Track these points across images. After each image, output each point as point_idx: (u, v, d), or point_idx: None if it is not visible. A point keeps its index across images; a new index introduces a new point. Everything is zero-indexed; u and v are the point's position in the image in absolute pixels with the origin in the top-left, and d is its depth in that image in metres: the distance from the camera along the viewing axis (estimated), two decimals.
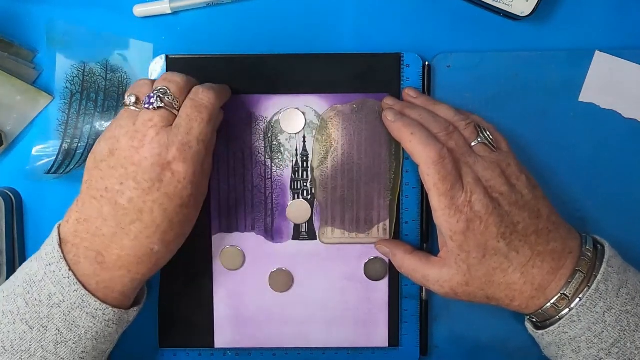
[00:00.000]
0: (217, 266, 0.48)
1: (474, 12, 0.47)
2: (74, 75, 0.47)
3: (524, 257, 0.41)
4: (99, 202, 0.40)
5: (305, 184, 0.48)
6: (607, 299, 0.40)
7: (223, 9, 0.48)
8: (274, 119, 0.47)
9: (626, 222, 0.48)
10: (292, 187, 0.48)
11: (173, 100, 0.40)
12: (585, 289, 0.40)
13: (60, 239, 0.40)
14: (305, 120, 0.47)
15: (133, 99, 0.40)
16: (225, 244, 0.48)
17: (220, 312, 0.48)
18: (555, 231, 0.42)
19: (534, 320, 0.43)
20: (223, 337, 0.49)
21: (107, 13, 0.48)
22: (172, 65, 0.47)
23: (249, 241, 0.48)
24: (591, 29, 0.47)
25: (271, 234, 0.48)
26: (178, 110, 0.40)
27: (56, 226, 0.41)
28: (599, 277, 0.40)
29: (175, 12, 0.47)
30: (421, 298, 0.48)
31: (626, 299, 0.40)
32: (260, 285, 0.48)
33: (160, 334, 0.49)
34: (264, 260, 0.48)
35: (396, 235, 0.48)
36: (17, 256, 0.48)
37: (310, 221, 0.48)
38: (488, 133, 0.44)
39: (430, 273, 0.43)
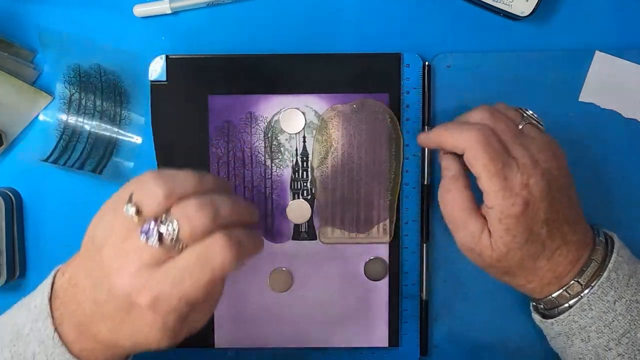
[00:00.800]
0: None
1: (474, 12, 0.47)
2: (72, 76, 0.47)
3: (555, 245, 0.40)
4: (85, 280, 0.35)
5: (305, 184, 0.48)
6: (617, 288, 0.39)
7: (223, 9, 0.48)
8: (274, 119, 0.47)
9: (626, 222, 0.48)
10: (292, 187, 0.48)
11: (177, 245, 0.33)
12: (598, 277, 0.39)
13: (52, 290, 0.36)
14: (305, 120, 0.47)
15: (133, 211, 0.33)
16: None
17: (220, 312, 0.48)
18: (580, 221, 0.41)
19: (541, 307, 0.43)
20: (223, 337, 0.49)
21: (107, 13, 0.48)
22: (172, 65, 0.47)
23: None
24: (591, 29, 0.47)
25: (271, 234, 0.48)
26: (179, 253, 0.33)
27: (53, 272, 0.38)
28: (610, 265, 0.40)
29: (175, 12, 0.47)
30: (421, 298, 0.48)
31: (636, 289, 0.39)
32: (260, 285, 0.48)
33: None
34: (264, 260, 0.48)
35: (396, 235, 0.48)
36: (17, 256, 0.48)
37: (310, 221, 0.48)
38: (532, 112, 0.42)
39: (471, 225, 0.40)
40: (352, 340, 0.49)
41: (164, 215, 0.33)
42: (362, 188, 0.48)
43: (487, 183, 0.38)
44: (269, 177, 0.48)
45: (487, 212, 0.39)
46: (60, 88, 0.47)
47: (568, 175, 0.41)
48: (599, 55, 0.47)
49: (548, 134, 0.42)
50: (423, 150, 0.47)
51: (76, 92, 0.48)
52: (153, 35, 0.48)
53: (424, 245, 0.48)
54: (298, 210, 0.48)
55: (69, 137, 0.48)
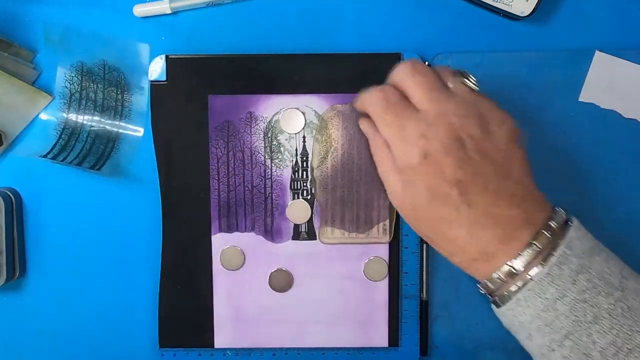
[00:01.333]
0: (217, 266, 0.48)
1: (474, 12, 0.47)
2: (73, 75, 0.47)
3: (474, 215, 0.36)
4: None
5: (305, 184, 0.48)
6: (560, 285, 0.35)
7: (223, 9, 0.48)
8: (274, 119, 0.47)
9: (626, 222, 0.48)
10: (292, 187, 0.48)
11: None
12: (537, 269, 0.35)
13: None
14: (305, 120, 0.47)
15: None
16: (225, 244, 0.48)
17: (220, 312, 0.48)
18: (520, 198, 0.37)
19: (482, 292, 0.39)
20: (223, 337, 0.49)
21: (107, 13, 0.48)
22: (172, 65, 0.47)
23: (249, 241, 0.48)
24: (591, 29, 0.47)
25: (271, 234, 0.48)
26: None
27: None
28: (554, 259, 0.35)
29: (175, 12, 0.47)
30: (421, 298, 0.48)
31: (585, 287, 0.35)
32: (260, 285, 0.48)
33: (160, 334, 0.48)
34: (264, 260, 0.48)
35: (396, 235, 0.48)
36: (17, 256, 0.48)
37: (310, 221, 0.48)
38: (472, 77, 0.39)
39: (389, 181, 0.38)
40: (352, 340, 0.49)
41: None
42: (362, 188, 0.48)
43: (386, 134, 0.37)
44: (269, 177, 0.48)
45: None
46: (60, 87, 0.47)
47: (509, 147, 0.37)
48: (599, 55, 0.47)
49: (491, 101, 0.39)
50: None
51: (77, 91, 0.48)
52: (153, 35, 0.48)
53: (424, 245, 0.48)
54: (298, 210, 0.48)
55: (68, 136, 0.48)
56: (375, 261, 0.48)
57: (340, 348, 0.49)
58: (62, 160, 0.46)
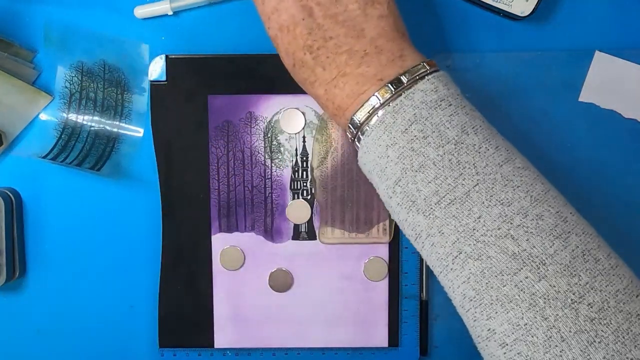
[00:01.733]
0: (217, 266, 0.48)
1: (474, 12, 0.47)
2: (73, 75, 0.48)
3: (329, 75, 0.38)
4: None
5: (305, 184, 0.48)
6: (391, 133, 0.36)
7: (223, 9, 0.48)
8: (274, 119, 0.47)
9: (626, 222, 0.48)
10: (292, 187, 0.48)
11: None
12: (374, 119, 0.37)
13: None
14: (305, 120, 0.47)
15: None
16: (225, 244, 0.48)
17: (220, 312, 0.48)
18: (373, 55, 0.37)
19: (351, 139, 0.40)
20: (223, 337, 0.49)
21: (107, 13, 0.48)
22: (172, 65, 0.47)
23: (249, 241, 0.48)
24: (591, 29, 0.47)
25: (271, 234, 0.48)
26: None
27: None
28: (389, 108, 0.36)
29: (175, 13, 0.47)
30: (421, 298, 0.48)
31: (415, 136, 0.35)
32: (260, 285, 0.48)
33: (160, 334, 0.48)
34: (264, 260, 0.48)
35: (396, 235, 0.48)
36: (17, 256, 0.48)
37: (310, 221, 0.48)
38: None
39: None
40: (352, 340, 0.49)
41: None
42: (362, 188, 0.48)
43: (258, 10, 0.40)
44: (269, 177, 0.48)
45: None
46: (60, 87, 0.47)
47: (361, 8, 0.38)
48: (599, 55, 0.47)
49: None
50: None
51: (77, 91, 0.48)
52: (153, 35, 0.48)
53: None
54: (298, 210, 0.48)
55: (68, 136, 0.48)
56: (375, 261, 0.48)
57: (340, 348, 0.49)
58: (62, 161, 0.46)
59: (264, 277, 0.48)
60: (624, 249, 0.48)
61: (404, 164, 0.36)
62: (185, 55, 0.47)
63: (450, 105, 0.37)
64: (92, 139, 0.48)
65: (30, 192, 0.49)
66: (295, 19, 0.38)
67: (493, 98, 0.47)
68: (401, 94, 0.36)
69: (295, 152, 0.48)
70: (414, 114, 0.36)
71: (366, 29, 0.38)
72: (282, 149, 0.48)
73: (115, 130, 0.48)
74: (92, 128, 0.48)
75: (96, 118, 0.48)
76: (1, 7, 0.47)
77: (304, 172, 0.48)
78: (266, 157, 0.48)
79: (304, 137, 0.47)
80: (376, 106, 0.37)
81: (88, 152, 0.48)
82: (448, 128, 0.36)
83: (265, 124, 0.47)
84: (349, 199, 0.48)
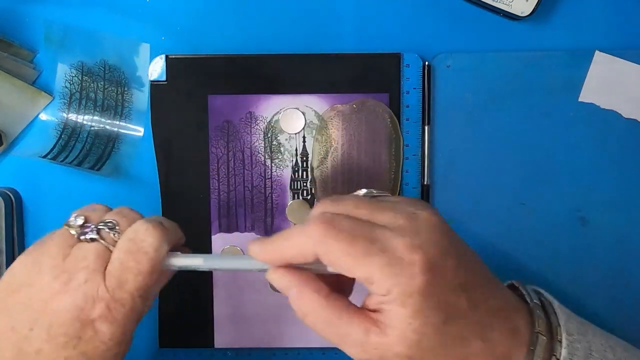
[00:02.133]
0: None
1: (474, 12, 0.47)
2: (73, 75, 0.48)
3: (480, 316, 0.30)
4: (1, 340, 0.32)
5: (305, 184, 0.48)
6: None
7: (223, 9, 0.48)
8: (274, 119, 0.47)
9: (626, 222, 0.48)
10: (292, 187, 0.48)
11: (116, 234, 0.34)
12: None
13: None
14: (305, 120, 0.47)
15: (80, 221, 0.34)
16: (225, 244, 0.48)
17: (220, 312, 0.48)
18: (493, 280, 0.32)
19: None
20: (223, 337, 0.49)
21: (107, 13, 0.48)
22: (172, 65, 0.47)
23: (249, 241, 0.48)
24: (591, 29, 0.47)
25: (271, 234, 0.48)
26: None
27: None
28: (564, 352, 0.31)
29: (175, 12, 0.47)
30: None
31: None
32: (260, 285, 0.48)
33: (160, 334, 0.48)
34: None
35: None
36: (17, 256, 0.48)
37: None
38: (375, 190, 0.34)
39: (352, 332, 0.30)
40: None
41: (102, 221, 0.34)
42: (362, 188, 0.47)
43: (362, 271, 0.29)
44: (269, 177, 0.48)
45: (380, 303, 0.30)
46: (60, 87, 0.48)
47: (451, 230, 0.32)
48: (599, 55, 0.47)
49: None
50: (423, 150, 0.47)
51: (77, 90, 0.48)
52: (153, 35, 0.48)
53: None
54: (298, 210, 0.48)
55: (68, 136, 0.48)
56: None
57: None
58: (62, 161, 0.46)
59: (264, 277, 0.48)
60: (624, 249, 0.48)
61: None
62: (185, 55, 0.47)
63: (588, 327, 0.33)
64: (92, 138, 0.48)
65: (30, 192, 0.49)
66: (443, 247, 0.29)
67: (493, 98, 0.47)
68: (552, 322, 0.32)
69: (295, 152, 0.48)
70: (583, 349, 0.31)
71: (474, 252, 0.32)
72: (282, 149, 0.48)
73: (115, 130, 0.48)
74: (92, 128, 0.48)
75: (96, 118, 0.48)
76: (1, 7, 0.47)
77: (304, 172, 0.48)
78: (266, 157, 0.48)
79: (304, 137, 0.47)
80: (544, 342, 0.31)
81: (88, 152, 0.48)
82: (605, 350, 0.32)
83: (265, 124, 0.47)
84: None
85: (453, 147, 0.48)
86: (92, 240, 0.33)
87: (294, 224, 0.48)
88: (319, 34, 0.48)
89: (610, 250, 0.47)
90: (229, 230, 0.48)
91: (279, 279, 0.32)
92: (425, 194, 0.48)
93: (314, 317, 0.31)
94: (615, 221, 0.48)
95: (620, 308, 0.46)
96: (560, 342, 0.31)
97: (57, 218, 0.48)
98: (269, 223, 0.48)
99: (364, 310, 0.30)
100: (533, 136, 0.47)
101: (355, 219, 0.30)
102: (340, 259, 0.29)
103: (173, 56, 0.47)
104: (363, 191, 0.34)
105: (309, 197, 0.48)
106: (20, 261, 0.34)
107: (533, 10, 0.45)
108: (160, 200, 0.48)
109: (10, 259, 0.47)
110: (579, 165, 0.47)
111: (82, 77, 0.48)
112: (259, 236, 0.48)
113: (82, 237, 0.33)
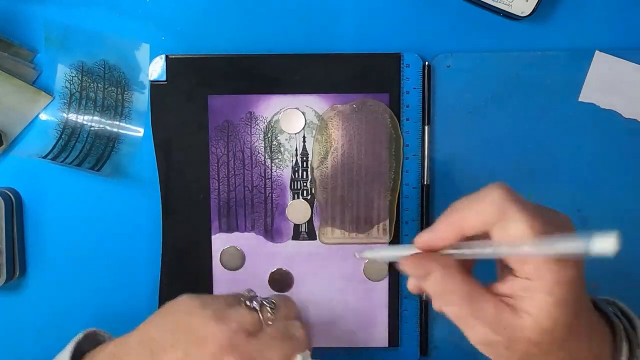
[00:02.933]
0: (217, 266, 0.48)
1: (474, 12, 0.47)
2: (73, 75, 0.47)
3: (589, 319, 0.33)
4: (141, 346, 0.37)
5: (305, 184, 0.48)
6: None
7: (223, 9, 0.48)
8: (274, 119, 0.47)
9: (626, 222, 0.48)
10: (292, 187, 0.48)
11: (273, 314, 0.39)
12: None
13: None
14: (305, 120, 0.47)
15: (252, 294, 0.40)
16: (225, 244, 0.48)
17: None
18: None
19: None
20: None
21: (107, 13, 0.48)
22: (172, 65, 0.47)
23: (249, 241, 0.48)
24: (591, 29, 0.47)
25: (271, 234, 0.48)
26: (267, 325, 0.38)
27: (74, 342, 0.39)
28: None
29: (175, 12, 0.47)
30: (421, 298, 0.48)
31: None
32: (260, 285, 0.48)
33: None
34: (264, 260, 0.48)
35: (396, 235, 0.48)
36: (17, 256, 0.48)
37: (310, 221, 0.48)
38: None
39: (486, 308, 0.31)
40: (352, 340, 0.49)
41: (266, 298, 0.40)
42: (362, 188, 0.48)
43: (534, 248, 0.30)
44: (269, 177, 0.48)
45: (518, 292, 0.31)
46: (60, 87, 0.47)
47: None
48: (599, 55, 0.47)
49: None
50: (423, 150, 0.47)
51: (77, 91, 0.48)
52: (153, 35, 0.48)
53: None
54: (298, 210, 0.48)
55: (68, 136, 0.48)
56: (375, 261, 0.48)
57: (340, 348, 0.49)
58: (62, 161, 0.46)
59: (264, 277, 0.48)
60: (623, 249, 0.47)
61: None
62: (185, 55, 0.47)
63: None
64: (92, 139, 0.48)
65: (30, 192, 0.49)
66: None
67: (493, 98, 0.47)
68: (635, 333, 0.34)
69: (295, 152, 0.48)
70: None
71: None
72: (282, 149, 0.48)
73: (115, 130, 0.48)
74: (92, 128, 0.48)
75: (96, 118, 0.48)
76: (1, 7, 0.47)
77: (304, 172, 0.48)
78: (266, 157, 0.48)
79: (304, 137, 0.47)
80: (627, 348, 0.33)
81: (88, 152, 0.48)
82: None
83: (265, 124, 0.47)
84: (349, 199, 0.48)
85: (453, 147, 0.48)
86: (253, 309, 0.38)
87: (294, 224, 0.48)
88: (319, 34, 0.48)
89: None
90: (229, 230, 0.48)
91: (423, 264, 0.33)
92: (425, 194, 0.48)
93: (456, 294, 0.32)
94: (615, 221, 0.48)
95: None
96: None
97: (57, 218, 0.49)
98: (269, 223, 0.48)
99: (495, 293, 0.32)
100: (533, 136, 0.47)
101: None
102: (519, 226, 0.29)
103: (173, 56, 0.47)
104: None
105: (309, 197, 0.48)
106: (188, 296, 0.39)
107: (533, 10, 0.45)
108: (160, 200, 0.48)
109: (11, 259, 0.47)
110: (579, 165, 0.47)
111: (82, 77, 0.48)
112: (259, 236, 0.48)
113: (247, 303, 0.38)
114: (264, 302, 0.39)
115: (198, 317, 0.37)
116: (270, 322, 0.38)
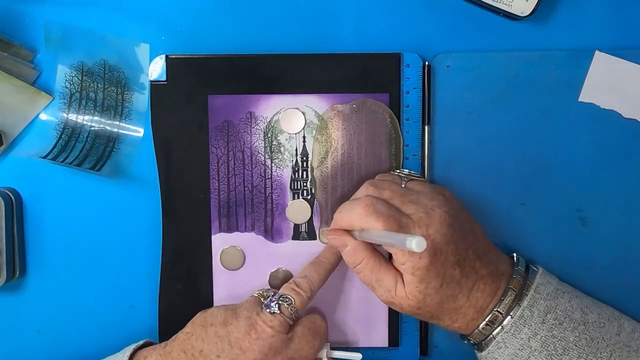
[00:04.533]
0: (217, 266, 0.48)
1: (474, 12, 0.47)
2: (73, 75, 0.48)
3: (471, 282, 0.41)
4: (188, 358, 0.42)
5: (305, 184, 0.48)
6: (531, 325, 0.41)
7: (223, 9, 0.48)
8: (274, 119, 0.47)
9: (626, 222, 0.48)
10: (292, 187, 0.48)
11: (293, 312, 0.42)
12: (517, 307, 0.41)
13: None
14: (305, 120, 0.47)
15: (270, 293, 0.44)
16: (225, 244, 0.48)
17: None
18: (490, 251, 0.43)
19: (470, 342, 0.44)
20: None
21: (107, 13, 0.48)
22: (172, 65, 0.47)
23: (249, 241, 0.48)
24: (591, 29, 0.47)
25: (271, 234, 0.48)
26: (294, 321, 0.42)
27: (130, 349, 0.44)
28: (524, 303, 0.41)
29: (175, 12, 0.47)
30: None
31: (553, 324, 0.41)
32: (260, 285, 0.48)
33: (160, 334, 0.48)
34: (264, 260, 0.48)
35: None
36: (17, 256, 0.48)
37: (310, 221, 0.48)
38: (407, 170, 0.46)
39: (386, 279, 0.42)
40: (352, 341, 0.49)
41: (280, 295, 0.42)
42: None
43: (391, 247, 0.41)
44: (269, 177, 0.48)
45: (399, 267, 0.41)
46: (60, 87, 0.48)
47: (464, 211, 0.43)
48: (599, 55, 0.47)
49: (431, 183, 0.45)
50: (423, 150, 0.48)
51: (77, 91, 0.48)
52: (153, 35, 0.48)
53: None
54: (298, 210, 0.48)
55: (68, 136, 0.48)
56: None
57: (341, 348, 0.49)
58: (62, 161, 0.46)
59: (264, 277, 0.48)
60: (623, 249, 0.48)
61: (548, 350, 0.40)
62: (185, 55, 0.47)
63: (564, 292, 0.43)
64: (92, 139, 0.48)
65: (30, 192, 0.49)
66: (447, 237, 0.40)
67: (493, 98, 0.47)
68: (529, 286, 0.42)
69: (295, 152, 0.48)
70: (546, 305, 0.41)
71: (475, 230, 0.43)
72: (282, 149, 0.48)
73: (115, 130, 0.48)
74: (92, 128, 0.48)
75: (96, 118, 0.48)
76: (1, 7, 0.47)
77: (304, 172, 0.48)
78: (266, 157, 0.48)
79: (304, 137, 0.47)
80: (512, 299, 0.41)
81: (88, 152, 0.48)
82: (573, 312, 0.41)
83: (265, 124, 0.47)
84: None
85: (453, 147, 0.48)
86: (273, 313, 0.41)
87: (294, 224, 0.48)
88: (319, 34, 0.48)
89: (610, 250, 0.47)
90: (229, 230, 0.48)
91: (336, 239, 0.43)
92: None
93: (363, 265, 0.42)
94: (615, 221, 0.48)
95: (620, 308, 0.46)
96: (522, 303, 0.41)
97: (57, 218, 0.49)
98: (269, 223, 0.48)
99: (395, 269, 0.42)
100: (533, 136, 0.47)
101: (390, 206, 0.41)
102: (377, 236, 0.40)
103: (173, 56, 0.47)
104: (405, 171, 0.46)
105: (309, 197, 0.48)
106: (219, 307, 0.44)
107: (533, 10, 0.45)
108: (160, 200, 0.48)
109: (10, 259, 0.47)
110: (579, 165, 0.47)
111: (82, 77, 0.48)
112: (259, 236, 0.48)
113: (267, 310, 0.41)
114: (280, 301, 0.42)
115: (235, 328, 0.41)
116: (293, 318, 0.42)
